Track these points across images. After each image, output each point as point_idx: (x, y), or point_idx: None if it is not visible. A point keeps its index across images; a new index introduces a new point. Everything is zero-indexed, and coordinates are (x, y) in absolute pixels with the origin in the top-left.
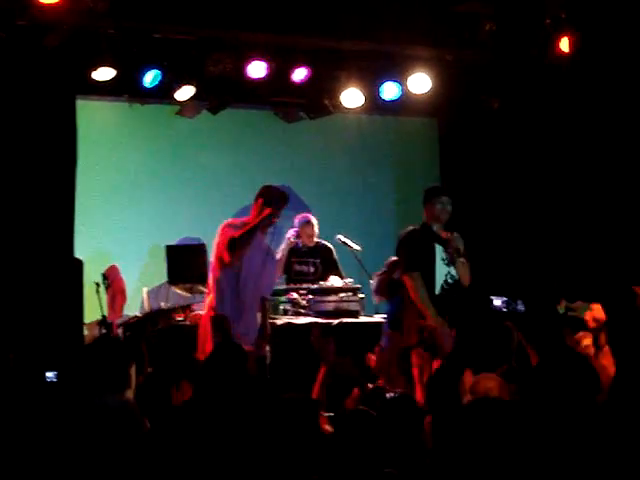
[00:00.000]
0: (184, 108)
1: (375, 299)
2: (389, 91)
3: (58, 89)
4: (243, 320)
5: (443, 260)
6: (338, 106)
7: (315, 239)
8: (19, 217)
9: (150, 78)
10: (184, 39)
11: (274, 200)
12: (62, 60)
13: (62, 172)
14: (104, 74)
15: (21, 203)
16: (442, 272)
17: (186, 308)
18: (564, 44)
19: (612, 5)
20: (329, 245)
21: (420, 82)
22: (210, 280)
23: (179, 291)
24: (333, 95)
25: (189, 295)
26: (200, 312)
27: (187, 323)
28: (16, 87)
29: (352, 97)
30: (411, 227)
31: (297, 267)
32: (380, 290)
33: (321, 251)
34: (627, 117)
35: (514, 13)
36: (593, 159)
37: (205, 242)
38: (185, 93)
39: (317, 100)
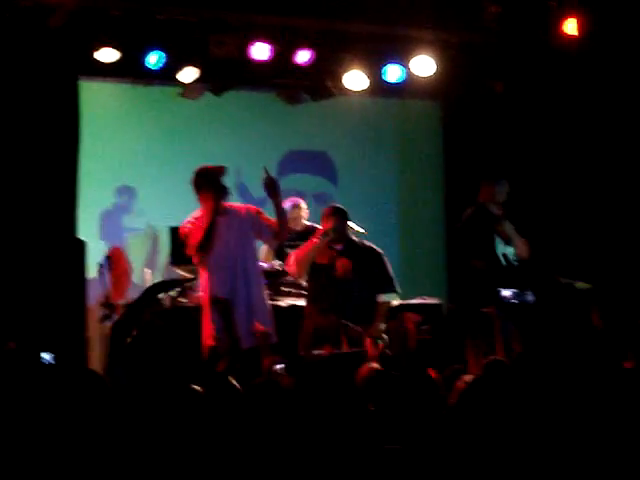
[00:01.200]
0: (187, 90)
1: None
2: (393, 73)
3: (61, 70)
4: (253, 303)
5: (502, 240)
6: (341, 88)
7: (306, 222)
8: (22, 199)
9: (154, 59)
10: (188, 20)
11: (207, 181)
12: (65, 41)
13: (64, 153)
14: (107, 55)
15: (24, 185)
16: (501, 249)
17: (189, 289)
18: (570, 26)
19: None
20: (318, 226)
21: (424, 65)
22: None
23: (181, 272)
24: (336, 77)
25: (191, 276)
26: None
27: (188, 304)
28: (19, 67)
29: (355, 79)
30: (468, 211)
31: (288, 251)
32: None
33: (311, 233)
34: (635, 101)
35: None
36: (598, 142)
37: None
38: (188, 75)
39: (320, 82)
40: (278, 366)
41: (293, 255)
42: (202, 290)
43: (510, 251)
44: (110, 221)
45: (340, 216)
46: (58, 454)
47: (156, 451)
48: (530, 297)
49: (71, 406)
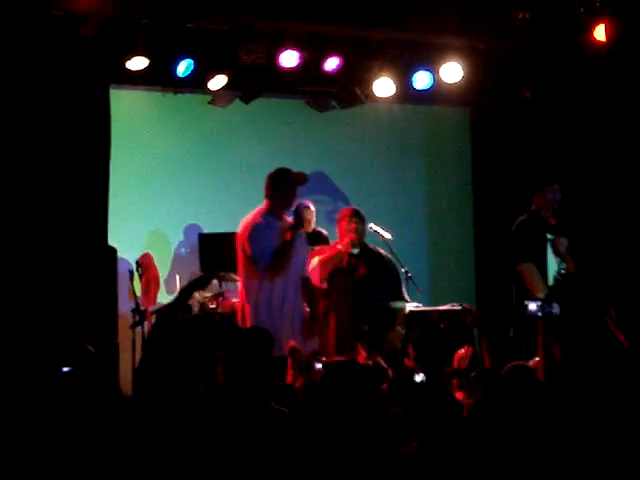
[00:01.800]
0: (217, 97)
1: None
2: (421, 80)
3: (92, 79)
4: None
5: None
6: (370, 95)
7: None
8: (54, 206)
9: (183, 67)
10: (217, 28)
11: (286, 185)
12: (96, 50)
13: (96, 161)
14: (138, 63)
15: (56, 192)
16: (553, 263)
17: (218, 296)
18: (600, 32)
19: None
20: (324, 232)
21: (452, 71)
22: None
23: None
24: (365, 84)
25: (221, 283)
26: (233, 300)
27: (219, 311)
28: (51, 77)
29: (384, 86)
30: (521, 217)
31: None
32: None
33: (317, 237)
34: None
35: (548, 1)
36: (627, 150)
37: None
38: (218, 82)
39: (349, 89)
40: (319, 365)
41: (317, 260)
42: (243, 297)
43: (561, 265)
44: None
45: (361, 219)
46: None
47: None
48: (556, 309)
49: (82, 417)
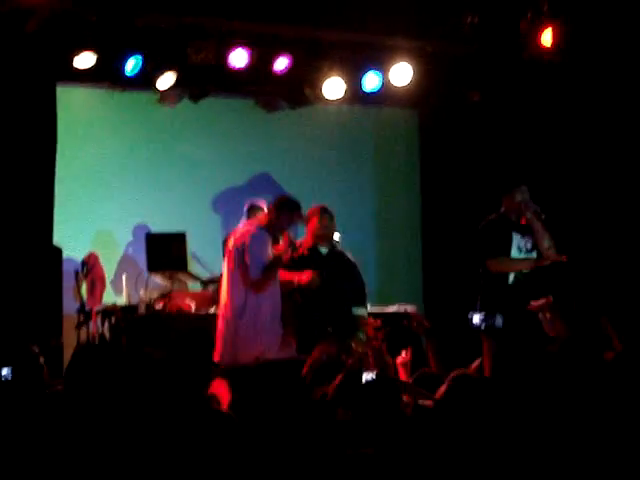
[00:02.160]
0: (165, 96)
1: None
2: (370, 81)
3: (39, 75)
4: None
5: (520, 249)
6: (319, 96)
7: None
8: None
9: (131, 65)
10: (166, 27)
11: (292, 214)
12: (43, 46)
13: (42, 159)
14: (85, 61)
15: (0, 191)
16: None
17: (166, 296)
18: (546, 37)
19: None
20: None
21: (402, 73)
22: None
23: (158, 279)
24: (314, 85)
25: (168, 283)
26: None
27: (166, 311)
28: None
29: (333, 87)
30: (490, 217)
31: None
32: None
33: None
34: (611, 111)
35: (495, 5)
36: (572, 152)
37: (186, 230)
38: (166, 81)
39: (298, 90)
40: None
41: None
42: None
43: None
44: None
45: (331, 217)
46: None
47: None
48: (499, 321)
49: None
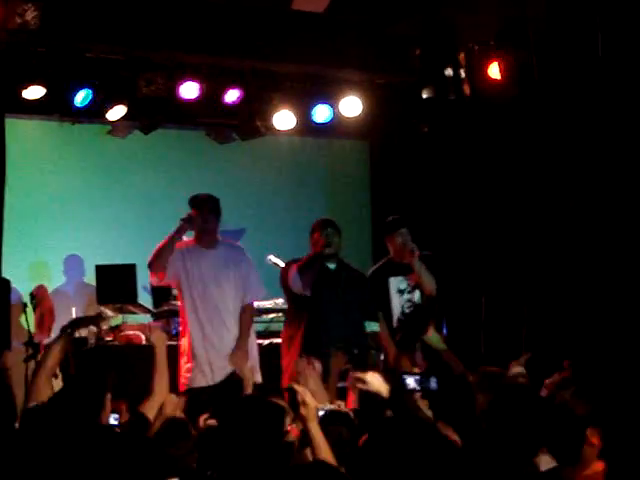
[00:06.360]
0: (115, 128)
1: None
2: (321, 114)
3: None
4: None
5: (401, 291)
6: (270, 128)
7: None
8: None
9: (81, 97)
10: (116, 58)
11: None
12: None
13: None
14: (34, 92)
15: None
16: (398, 303)
17: (115, 328)
18: (494, 70)
19: (543, 33)
20: None
21: (351, 105)
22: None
23: (108, 311)
24: (265, 117)
25: (118, 315)
26: (130, 332)
27: (116, 343)
28: None
29: (284, 119)
30: (378, 263)
31: None
32: None
33: None
34: (557, 143)
35: (441, 38)
36: (518, 182)
37: (136, 262)
38: (116, 113)
39: (249, 122)
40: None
41: (294, 267)
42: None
43: (416, 296)
44: None
45: (336, 230)
46: None
47: None
48: (434, 384)
49: None
